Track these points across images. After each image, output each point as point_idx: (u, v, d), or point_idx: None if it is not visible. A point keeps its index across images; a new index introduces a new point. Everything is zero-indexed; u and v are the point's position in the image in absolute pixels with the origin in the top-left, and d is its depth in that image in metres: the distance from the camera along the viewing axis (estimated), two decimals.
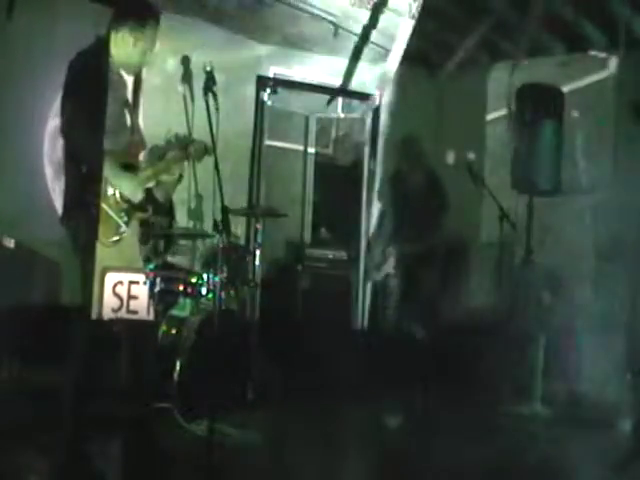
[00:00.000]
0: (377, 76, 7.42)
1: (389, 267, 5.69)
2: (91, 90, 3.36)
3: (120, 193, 3.53)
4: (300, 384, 5.23)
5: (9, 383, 4.36)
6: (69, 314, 3.47)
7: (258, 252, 5.35)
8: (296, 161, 7.34)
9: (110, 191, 3.50)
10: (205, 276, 4.41)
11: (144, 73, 5.28)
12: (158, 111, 5.31)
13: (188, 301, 4.75)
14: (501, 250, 5.74)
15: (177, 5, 6.07)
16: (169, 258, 4.84)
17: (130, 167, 3.60)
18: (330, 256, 6.85)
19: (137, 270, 3.68)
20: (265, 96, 6.72)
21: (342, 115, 7.67)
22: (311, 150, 7.36)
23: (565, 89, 5.97)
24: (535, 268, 5.71)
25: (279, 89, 6.77)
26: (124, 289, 3.55)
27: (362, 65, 7.41)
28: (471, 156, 5.67)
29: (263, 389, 4.77)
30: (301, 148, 7.34)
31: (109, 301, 3.50)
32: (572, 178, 5.94)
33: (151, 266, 4.30)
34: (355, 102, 7.59)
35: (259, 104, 6.78)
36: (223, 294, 4.45)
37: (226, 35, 6.45)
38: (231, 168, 5.70)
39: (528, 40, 6.81)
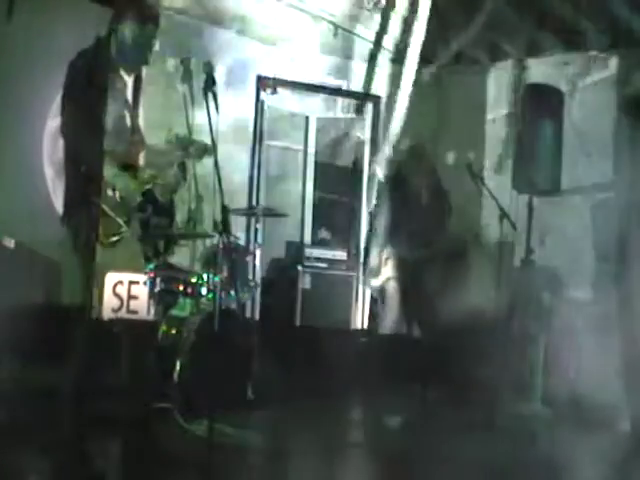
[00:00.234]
0: (377, 76, 7.43)
1: (388, 270, 5.68)
2: (91, 90, 3.35)
3: (120, 193, 3.53)
4: (300, 384, 5.23)
5: (9, 383, 4.35)
6: (69, 314, 3.47)
7: (258, 252, 5.35)
8: (296, 161, 7.34)
9: (110, 191, 3.50)
10: (205, 276, 4.41)
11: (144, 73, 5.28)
12: (158, 111, 5.31)
13: (188, 301, 4.74)
14: (501, 250, 5.73)
15: (177, 5, 6.09)
16: (169, 258, 4.84)
17: (130, 167, 3.60)
18: (330, 256, 6.84)
19: (137, 270, 3.68)
20: (265, 96, 6.72)
21: (342, 115, 7.67)
22: (311, 150, 7.36)
23: (565, 89, 5.97)
24: (535, 268, 5.70)
25: (279, 89, 6.78)
26: (124, 289, 3.55)
27: (362, 65, 7.43)
28: (471, 156, 5.66)
29: (263, 389, 4.77)
30: (301, 148, 7.34)
31: (109, 301, 3.50)
32: (572, 178, 5.94)
33: (151, 266, 4.30)
34: (355, 102, 7.60)
35: (259, 104, 6.78)
36: (223, 294, 4.45)
37: (226, 35, 6.46)
38: (231, 168, 5.70)
39: (528, 40, 6.82)
